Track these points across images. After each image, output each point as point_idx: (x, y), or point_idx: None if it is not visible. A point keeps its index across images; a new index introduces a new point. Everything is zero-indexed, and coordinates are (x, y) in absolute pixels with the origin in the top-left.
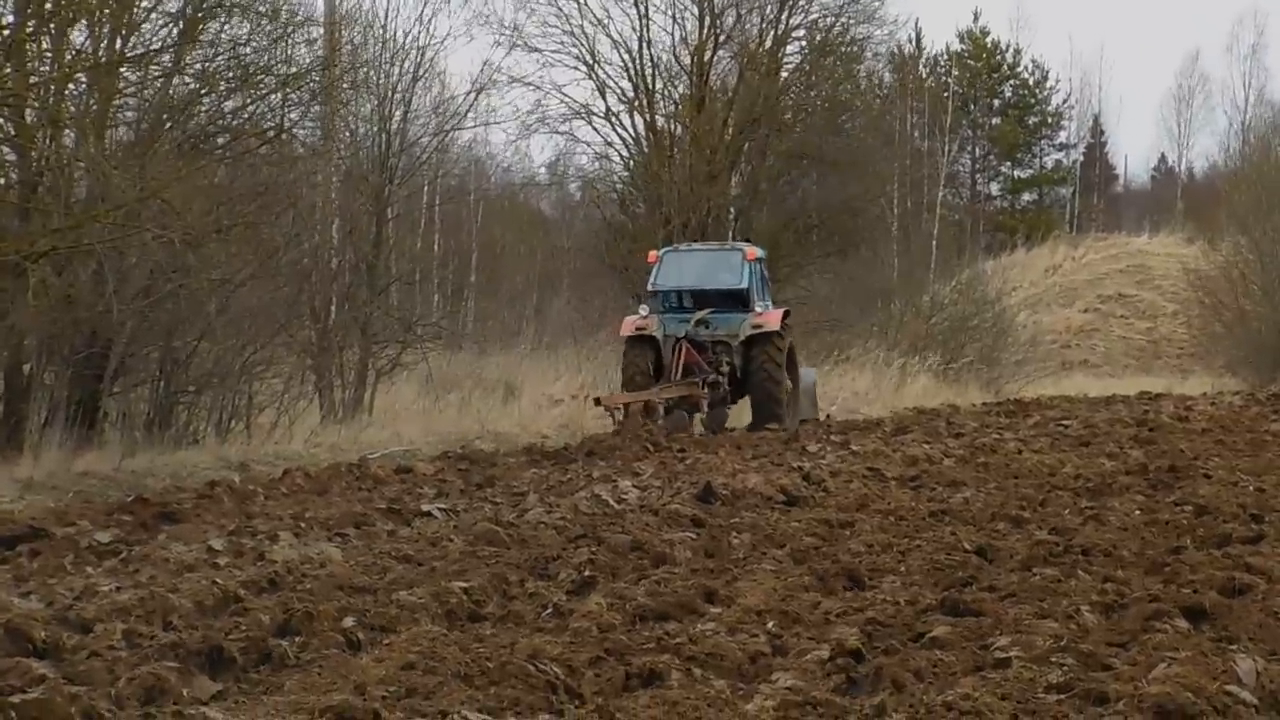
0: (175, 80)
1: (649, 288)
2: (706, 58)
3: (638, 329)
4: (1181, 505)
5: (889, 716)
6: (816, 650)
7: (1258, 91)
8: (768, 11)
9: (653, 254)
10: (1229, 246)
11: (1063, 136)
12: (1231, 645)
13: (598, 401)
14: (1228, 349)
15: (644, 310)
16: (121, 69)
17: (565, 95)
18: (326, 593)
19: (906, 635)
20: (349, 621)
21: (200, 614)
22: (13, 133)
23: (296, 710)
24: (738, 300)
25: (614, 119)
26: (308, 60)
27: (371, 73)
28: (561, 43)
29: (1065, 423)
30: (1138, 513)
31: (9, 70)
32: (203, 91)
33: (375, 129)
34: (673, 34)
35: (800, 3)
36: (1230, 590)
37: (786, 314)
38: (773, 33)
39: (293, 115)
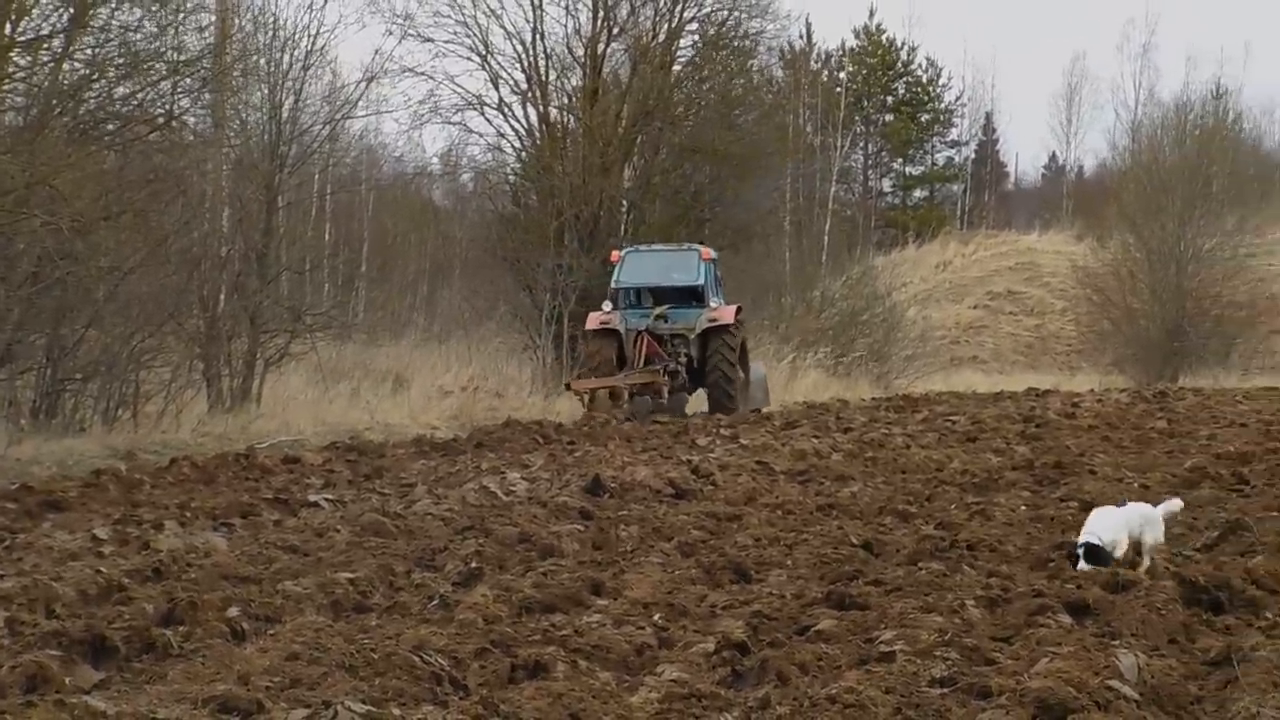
0: (65, 66)
1: (612, 285)
2: (600, 50)
3: (602, 323)
4: (1067, 501)
5: (773, 709)
6: (702, 643)
7: (1148, 90)
8: (661, 4)
9: (615, 253)
10: (1118, 245)
11: (954, 134)
12: (1114, 640)
13: (569, 386)
14: (1115, 346)
15: (607, 306)
16: (11, 54)
17: (458, 86)
18: (211, 582)
19: (792, 628)
20: (233, 611)
21: (84, 603)
22: None
23: (179, 699)
24: (693, 296)
25: (507, 110)
26: (198, 47)
27: (262, 60)
28: (454, 33)
29: (953, 418)
30: (1023, 508)
31: None
32: (93, 77)
33: (266, 117)
34: (566, 25)
35: None
36: (1113, 586)
37: (739, 310)
38: (666, 25)
39: (183, 102)
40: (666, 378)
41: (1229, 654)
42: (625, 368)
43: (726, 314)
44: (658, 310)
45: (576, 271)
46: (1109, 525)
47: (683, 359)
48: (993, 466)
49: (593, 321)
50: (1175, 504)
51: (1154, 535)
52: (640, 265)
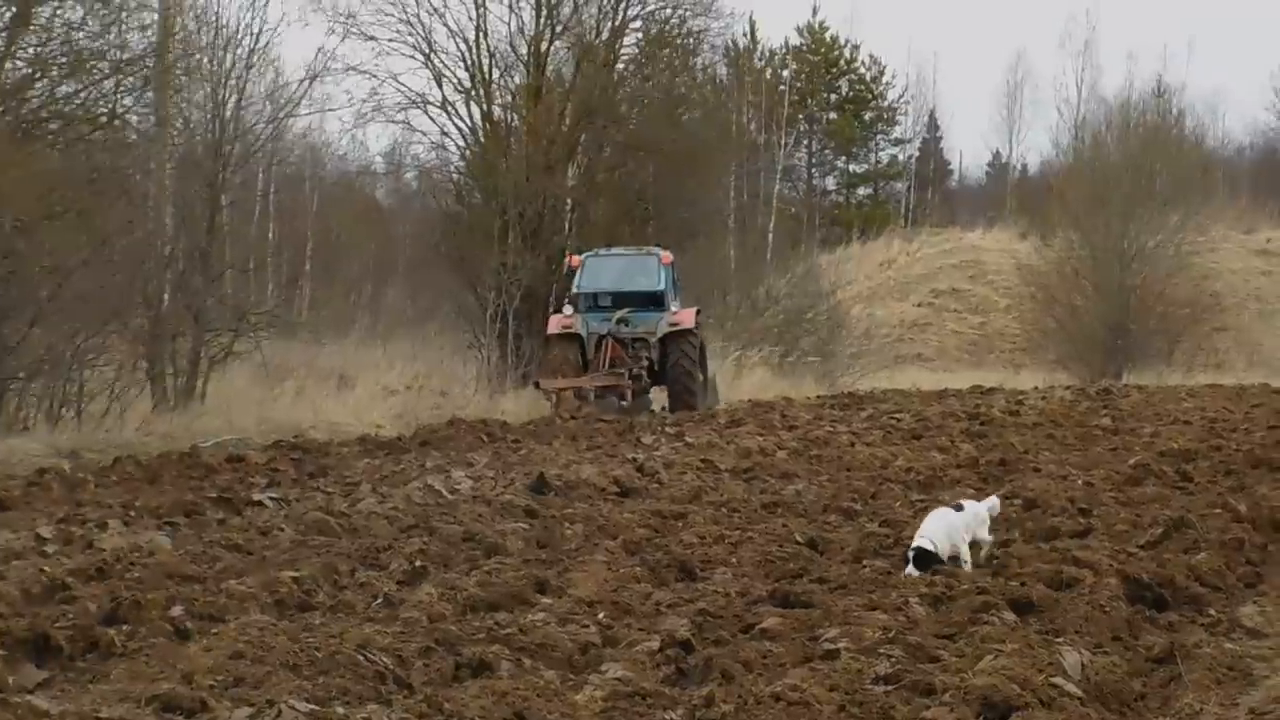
0: (8, 64)
1: (573, 289)
2: (543, 48)
3: (563, 327)
4: (1011, 498)
5: (718, 707)
6: (647, 641)
7: (1090, 86)
8: (605, 2)
9: (575, 258)
10: (1062, 242)
11: (898, 131)
12: (1058, 638)
13: (537, 385)
14: (1059, 344)
15: (568, 310)
16: None
17: (401, 84)
18: (155, 581)
19: (737, 626)
20: (177, 610)
21: (27, 602)
22: None
23: (123, 699)
24: (654, 301)
25: (450, 108)
26: (141, 46)
27: (205, 59)
28: (397, 31)
29: (898, 416)
30: None
31: None
32: (36, 76)
33: (209, 115)
34: (510, 24)
35: None
36: (1057, 583)
37: (699, 312)
38: (610, 24)
39: (126, 101)
40: (631, 381)
41: (1172, 651)
42: (589, 370)
43: (687, 317)
44: (619, 314)
45: (520, 270)
46: (943, 530)
47: (644, 362)
48: (937, 464)
49: (554, 325)
50: (993, 502)
51: (983, 532)
52: (601, 270)
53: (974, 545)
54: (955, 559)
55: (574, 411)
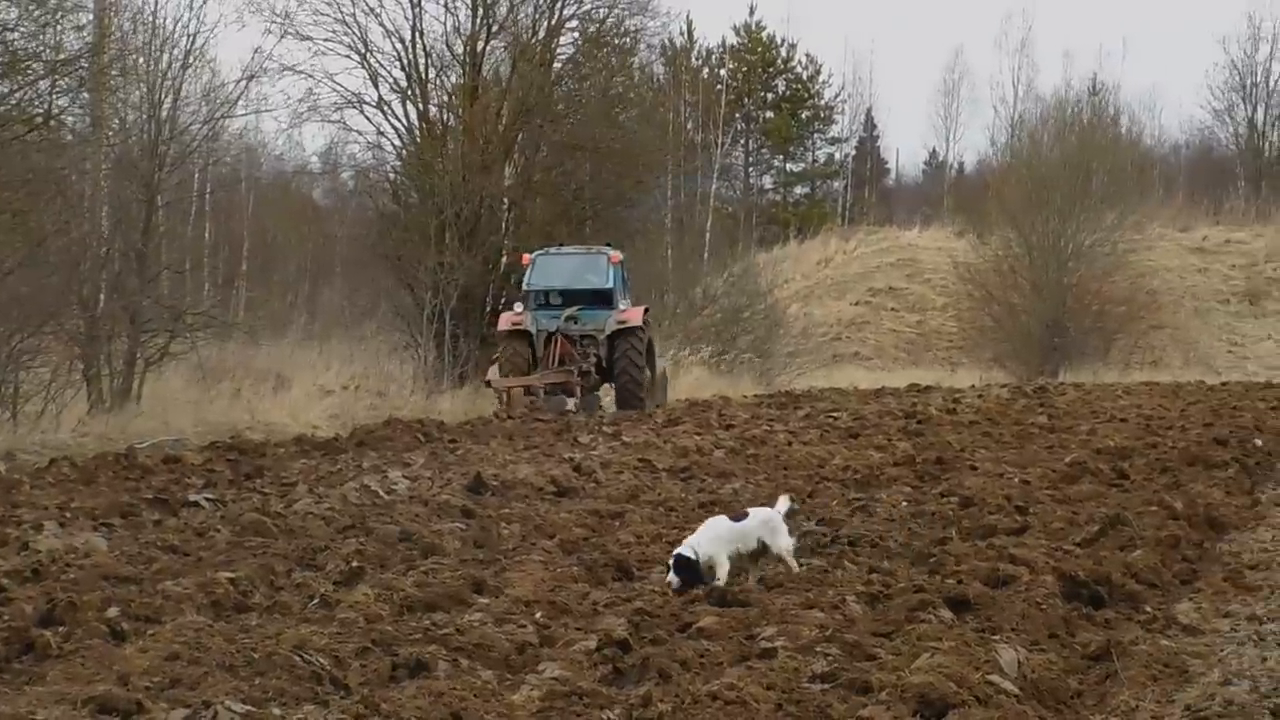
0: None
1: (523, 287)
2: (479, 47)
3: (514, 324)
4: (948, 497)
5: (655, 706)
6: (584, 641)
7: (1027, 85)
8: (541, 2)
9: (525, 256)
10: (999, 241)
11: (835, 130)
12: (994, 635)
13: (488, 384)
14: (996, 342)
15: (518, 307)
16: None
17: (337, 84)
18: (91, 583)
19: (674, 626)
20: (113, 612)
21: None
22: None
23: (59, 700)
24: (603, 299)
25: (386, 108)
26: (76, 46)
27: (141, 59)
28: (333, 31)
29: (835, 415)
30: (905, 504)
31: None
32: None
33: (145, 116)
34: (445, 23)
35: None
36: (994, 581)
37: (646, 310)
38: (546, 23)
39: (61, 101)
40: (580, 378)
41: (1109, 648)
42: (539, 367)
43: (635, 315)
44: (568, 312)
45: (457, 270)
46: (712, 538)
47: (592, 359)
48: (874, 462)
49: (504, 323)
50: (784, 503)
51: (780, 538)
52: (550, 268)
53: (765, 553)
54: (712, 569)
55: (524, 409)
